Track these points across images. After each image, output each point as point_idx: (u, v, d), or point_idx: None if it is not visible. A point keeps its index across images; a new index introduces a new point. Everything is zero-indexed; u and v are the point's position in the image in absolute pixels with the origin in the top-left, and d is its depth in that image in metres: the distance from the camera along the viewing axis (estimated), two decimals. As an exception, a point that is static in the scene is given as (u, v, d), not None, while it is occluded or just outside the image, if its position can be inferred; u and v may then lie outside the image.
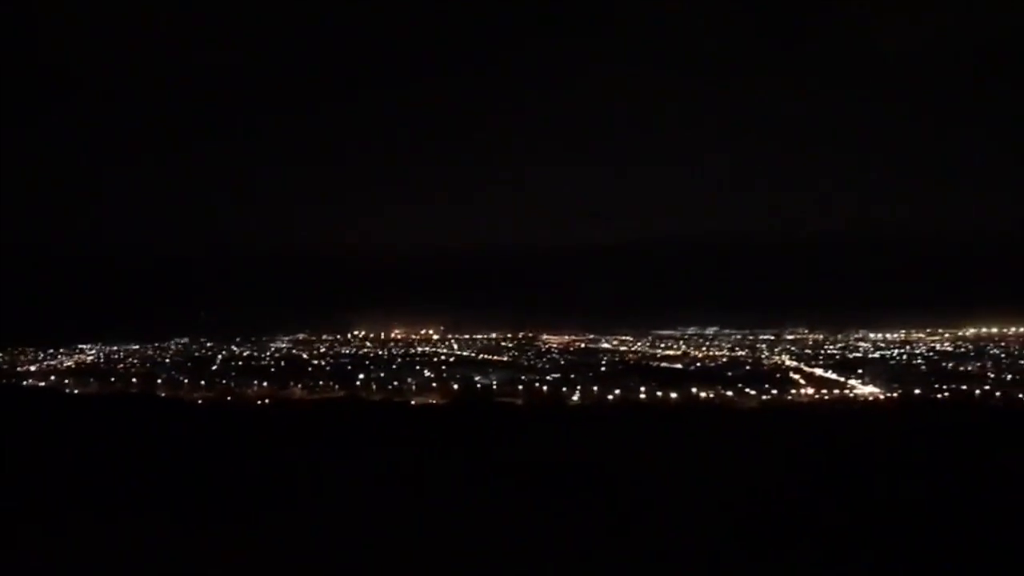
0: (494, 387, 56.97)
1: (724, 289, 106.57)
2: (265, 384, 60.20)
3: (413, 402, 47.48)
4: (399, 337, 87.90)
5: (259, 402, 50.00)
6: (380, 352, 78.23)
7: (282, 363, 71.30)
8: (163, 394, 50.21)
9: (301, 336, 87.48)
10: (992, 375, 58.92)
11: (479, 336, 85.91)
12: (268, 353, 78.05)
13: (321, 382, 60.46)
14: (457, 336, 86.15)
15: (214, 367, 69.05)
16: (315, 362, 71.93)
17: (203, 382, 60.64)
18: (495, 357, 74.64)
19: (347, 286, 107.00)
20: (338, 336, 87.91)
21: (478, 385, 58.02)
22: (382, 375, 63.02)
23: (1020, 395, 51.38)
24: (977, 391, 53.39)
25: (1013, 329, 77.23)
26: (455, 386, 57.34)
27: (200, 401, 46.90)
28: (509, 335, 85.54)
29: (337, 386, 58.45)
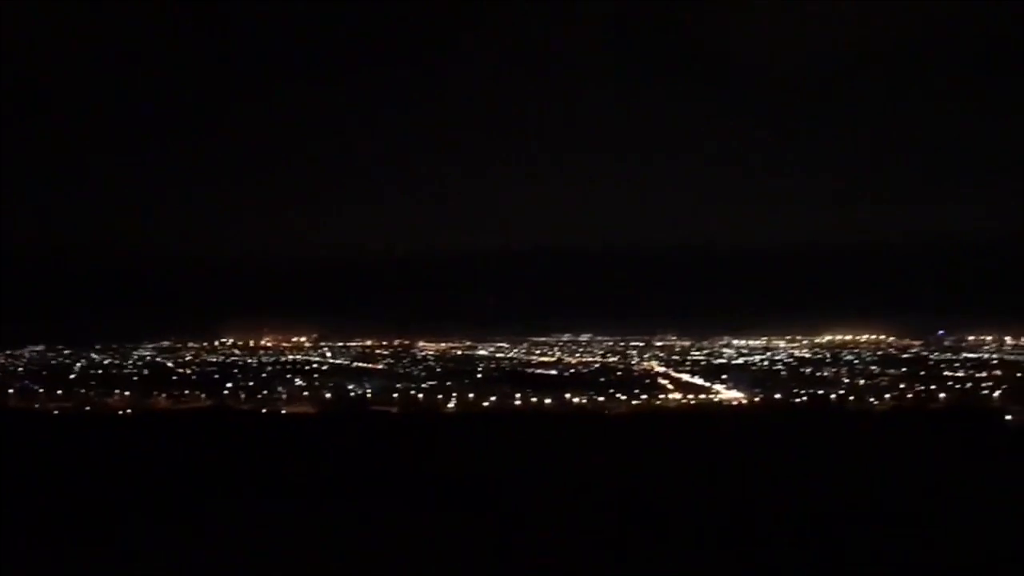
0: (369, 395, 56.30)
1: (597, 297, 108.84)
2: (127, 393, 57.62)
3: (284, 411, 46.48)
4: (269, 345, 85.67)
5: (120, 412, 47.92)
6: (249, 360, 76.07)
7: (145, 371, 68.40)
8: (14, 405, 47.48)
9: (166, 343, 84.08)
10: (847, 380, 62.23)
11: (353, 344, 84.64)
12: (131, 361, 74.71)
13: (187, 391, 58.29)
14: (330, 344, 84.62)
15: (72, 376, 65.64)
16: (180, 370, 69.32)
17: (60, 392, 57.56)
18: (370, 365, 73.78)
19: (214, 292, 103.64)
20: (205, 344, 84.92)
21: (352, 394, 57.20)
22: (251, 384, 61.28)
23: (871, 399, 54.53)
24: (832, 395, 56.37)
25: (865, 336, 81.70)
26: (328, 395, 56.39)
27: (56, 412, 44.62)
28: (384, 342, 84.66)
29: (204, 395, 56.51)
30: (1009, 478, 16.15)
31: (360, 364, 74.47)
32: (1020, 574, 10.87)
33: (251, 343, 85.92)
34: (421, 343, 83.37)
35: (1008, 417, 34.45)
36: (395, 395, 55.92)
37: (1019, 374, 60.61)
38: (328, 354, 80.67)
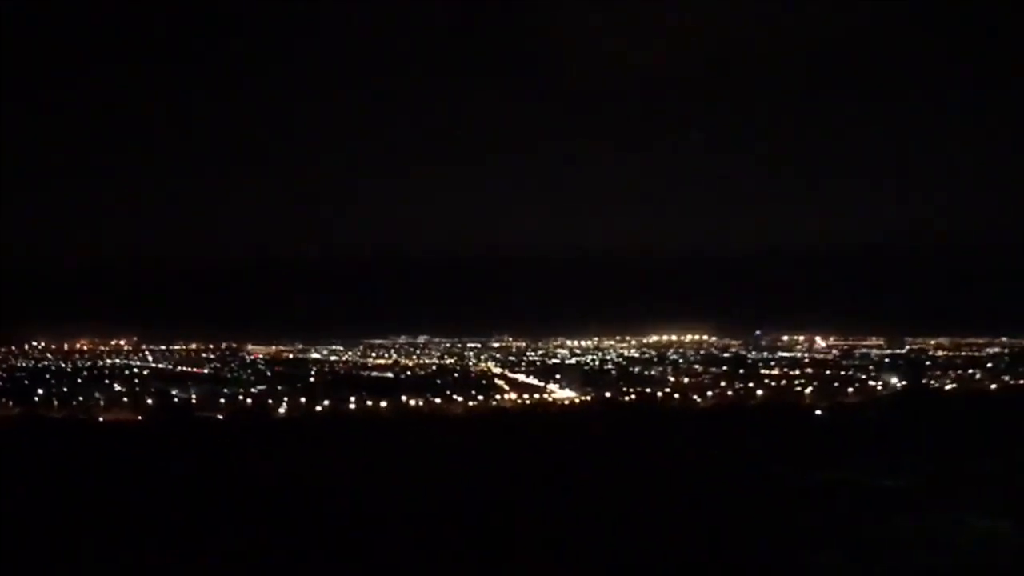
0: (194, 401, 53.84)
1: (434, 300, 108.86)
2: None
3: (101, 419, 43.69)
4: (85, 348, 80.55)
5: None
6: (63, 365, 71.30)
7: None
8: None
9: (-32, 349, 77.58)
10: (672, 378, 64.83)
11: (177, 347, 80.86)
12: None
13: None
14: (152, 347, 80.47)
15: None
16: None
17: None
18: (195, 369, 70.70)
19: (23, 294, 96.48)
20: (13, 347, 78.90)
21: (176, 399, 54.52)
22: (65, 390, 57.38)
23: (694, 396, 57.03)
24: (659, 393, 58.56)
25: (689, 336, 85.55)
26: (150, 401, 53.52)
27: None
28: (211, 346, 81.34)
29: (12, 403, 52.42)
30: (814, 469, 17.20)
31: (184, 368, 71.29)
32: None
33: (65, 347, 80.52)
34: (250, 346, 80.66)
35: (817, 412, 36.78)
36: (222, 400, 53.75)
37: (827, 372, 65.07)
38: (149, 358, 76.70)
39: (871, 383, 60.13)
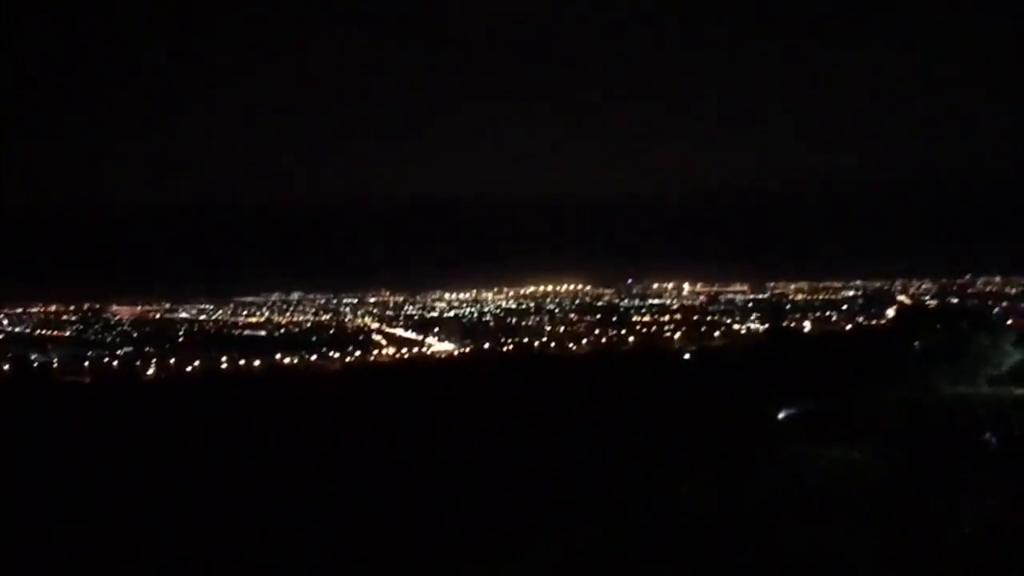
0: (55, 365, 51.43)
1: (308, 253, 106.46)
2: None
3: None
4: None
5: None
6: None
7: None
8: None
9: None
10: (548, 328, 66.01)
11: (35, 310, 76.59)
12: None
13: None
14: (7, 311, 75.94)
15: None
16: None
17: None
18: (56, 332, 67.35)
19: None
20: None
21: (35, 364, 51.95)
22: None
23: (570, 344, 58.33)
24: (535, 342, 59.59)
25: (564, 286, 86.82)
26: (6, 367, 50.79)
27: None
28: (72, 307, 77.37)
29: None
30: (686, 407, 17.98)
31: (43, 332, 67.75)
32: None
33: None
34: (114, 307, 77.22)
35: (686, 356, 38.26)
36: (86, 364, 51.55)
37: (695, 317, 67.50)
38: (4, 322, 72.46)
39: (735, 327, 62.86)
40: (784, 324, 57.86)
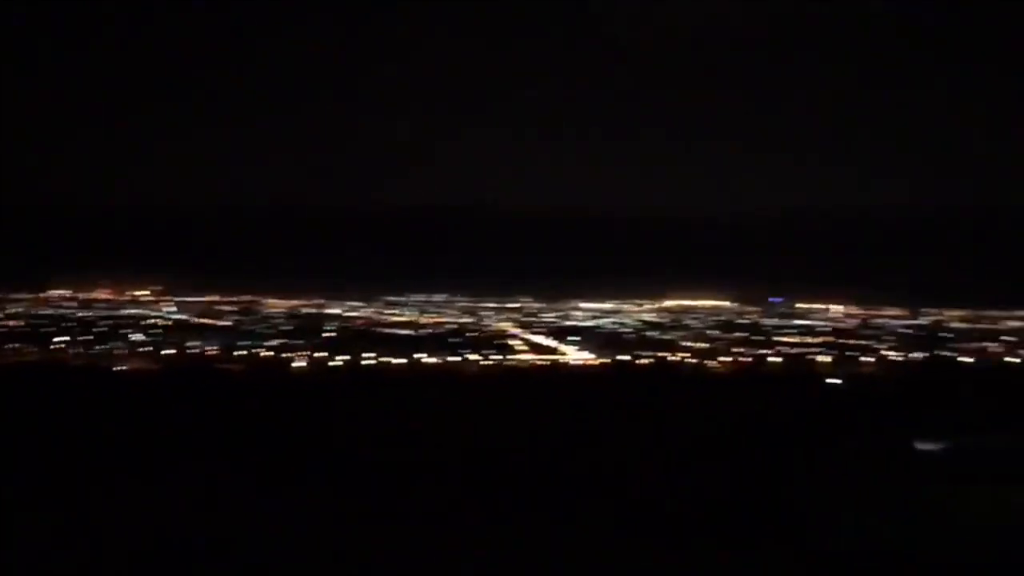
0: (211, 353, 54.36)
1: (454, 258, 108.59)
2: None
3: (118, 368, 44.30)
4: (107, 298, 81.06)
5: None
6: (84, 314, 71.94)
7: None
8: None
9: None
10: (687, 344, 64.71)
11: (197, 299, 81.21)
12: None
13: (16, 345, 54.68)
14: (173, 299, 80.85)
15: None
16: (8, 323, 64.90)
17: None
18: (214, 321, 71.17)
19: (47, 242, 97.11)
20: (36, 295, 79.54)
21: (194, 351, 55.08)
22: (85, 338, 58.04)
23: (707, 362, 56.96)
24: (672, 357, 58.52)
25: (702, 302, 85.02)
26: (167, 352, 54.06)
27: None
28: (232, 299, 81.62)
29: (35, 349, 53.20)
30: (827, 436, 17.18)
31: (203, 320, 71.76)
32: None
33: (86, 295, 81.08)
34: (269, 300, 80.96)
35: (829, 381, 36.71)
36: (238, 353, 54.25)
37: (843, 341, 64.68)
38: (172, 308, 77.20)
39: (886, 353, 59.86)
40: (941, 352, 54.74)
